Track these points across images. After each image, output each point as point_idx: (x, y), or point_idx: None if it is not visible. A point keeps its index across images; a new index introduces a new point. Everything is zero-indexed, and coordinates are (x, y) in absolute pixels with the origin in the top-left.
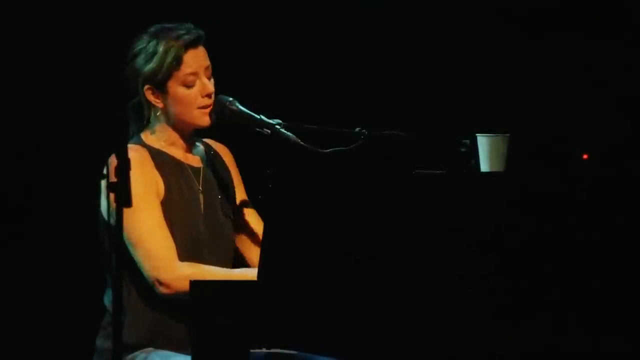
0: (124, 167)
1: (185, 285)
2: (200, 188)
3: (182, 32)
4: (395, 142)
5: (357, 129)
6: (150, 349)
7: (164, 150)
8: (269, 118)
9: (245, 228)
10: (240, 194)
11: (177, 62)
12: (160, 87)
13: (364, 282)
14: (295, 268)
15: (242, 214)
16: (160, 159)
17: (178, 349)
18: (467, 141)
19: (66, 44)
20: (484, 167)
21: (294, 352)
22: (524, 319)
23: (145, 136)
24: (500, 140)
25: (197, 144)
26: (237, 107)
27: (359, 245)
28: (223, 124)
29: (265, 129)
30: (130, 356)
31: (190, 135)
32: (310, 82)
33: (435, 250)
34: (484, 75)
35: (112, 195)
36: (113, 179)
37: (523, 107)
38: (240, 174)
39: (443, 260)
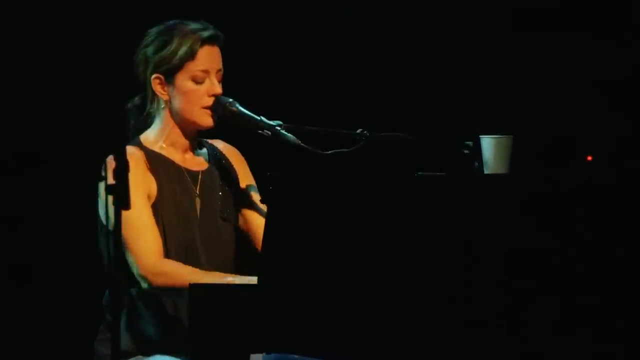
0: (122, 169)
1: (164, 282)
2: (197, 192)
3: (200, 27)
4: (397, 143)
5: (359, 131)
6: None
7: (162, 152)
8: (270, 119)
9: (254, 229)
10: (249, 196)
11: (191, 54)
12: (169, 78)
13: (365, 285)
14: (296, 271)
15: (251, 216)
16: (156, 162)
17: (175, 354)
18: (470, 142)
19: (65, 43)
20: (487, 168)
21: (296, 356)
22: (527, 320)
23: (144, 137)
24: (503, 142)
25: (201, 145)
26: (237, 108)
27: (361, 248)
28: (223, 126)
29: (265, 131)
30: None
31: (192, 137)
32: (311, 83)
33: (438, 253)
34: (487, 76)
35: (110, 198)
36: (111, 181)
37: (526, 108)
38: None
39: (446, 263)
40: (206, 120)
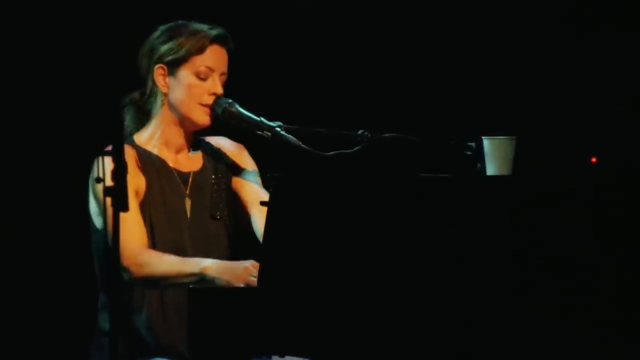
0: (121, 170)
1: (147, 272)
2: (187, 192)
3: (212, 27)
4: (398, 144)
5: (360, 132)
6: None
7: (154, 152)
8: (270, 120)
9: (253, 227)
10: (247, 194)
11: (200, 48)
12: (172, 70)
13: (367, 287)
14: (297, 273)
15: (246, 215)
16: (147, 161)
17: (171, 357)
18: (473, 144)
19: (63, 43)
20: (490, 170)
21: (298, 358)
22: (530, 321)
23: (138, 136)
24: (506, 143)
25: (197, 145)
26: (237, 109)
27: (362, 249)
28: (223, 126)
29: (265, 132)
30: None
31: (186, 137)
32: (312, 84)
33: (440, 255)
34: (489, 77)
35: (104, 197)
36: (110, 182)
37: (529, 109)
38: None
39: (448, 266)
40: (202, 118)
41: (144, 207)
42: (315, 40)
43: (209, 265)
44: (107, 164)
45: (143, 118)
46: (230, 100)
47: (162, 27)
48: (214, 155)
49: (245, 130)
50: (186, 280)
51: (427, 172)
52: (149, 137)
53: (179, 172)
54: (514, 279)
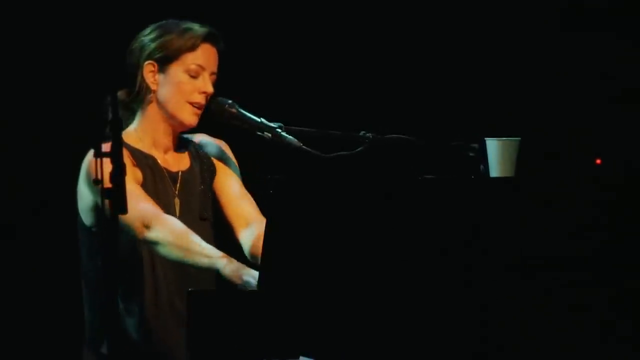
0: (119, 171)
1: (167, 232)
2: (177, 192)
3: (201, 25)
4: (400, 146)
5: (362, 133)
6: None
7: (144, 151)
8: (270, 121)
9: (232, 225)
10: (227, 192)
11: (192, 46)
12: (162, 67)
13: (369, 289)
14: (298, 275)
15: (227, 213)
16: (140, 159)
17: None
18: (476, 145)
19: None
20: (494, 172)
21: None
22: (533, 323)
23: (127, 135)
24: (510, 144)
25: (183, 144)
26: (237, 110)
27: (364, 251)
28: (223, 127)
29: (266, 133)
30: None
31: (173, 136)
32: (313, 85)
33: (443, 257)
34: (492, 78)
35: (107, 202)
36: (108, 184)
37: (533, 110)
38: (240, 179)
39: (452, 268)
40: (190, 117)
41: None
42: (317, 41)
43: (228, 263)
44: (92, 162)
45: (128, 115)
46: (230, 101)
47: (152, 25)
48: (200, 155)
49: (246, 131)
50: (197, 259)
51: (430, 173)
52: (137, 136)
53: (169, 172)
54: (517, 280)
